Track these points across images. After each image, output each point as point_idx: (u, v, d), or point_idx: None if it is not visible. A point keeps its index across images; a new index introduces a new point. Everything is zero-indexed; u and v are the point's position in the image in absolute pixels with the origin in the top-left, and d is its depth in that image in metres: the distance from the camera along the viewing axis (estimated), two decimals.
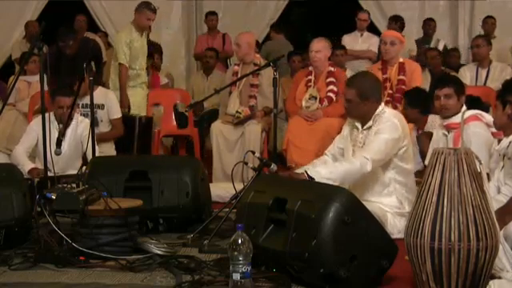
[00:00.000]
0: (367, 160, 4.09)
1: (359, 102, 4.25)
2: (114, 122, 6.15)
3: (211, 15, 9.20)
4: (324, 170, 4.13)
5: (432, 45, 8.61)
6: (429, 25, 8.86)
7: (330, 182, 3.95)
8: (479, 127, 4.58)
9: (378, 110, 4.27)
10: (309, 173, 4.05)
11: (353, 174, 4.11)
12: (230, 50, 8.65)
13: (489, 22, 8.47)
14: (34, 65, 7.05)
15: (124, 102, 6.60)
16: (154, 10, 6.68)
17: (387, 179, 4.30)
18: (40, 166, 5.25)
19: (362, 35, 8.64)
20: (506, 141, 3.90)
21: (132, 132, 6.43)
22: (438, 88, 4.76)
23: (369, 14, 8.78)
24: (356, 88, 4.27)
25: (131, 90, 6.76)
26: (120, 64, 6.65)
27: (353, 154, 4.29)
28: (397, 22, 8.48)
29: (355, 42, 8.49)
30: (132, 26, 6.74)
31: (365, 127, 4.32)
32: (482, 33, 8.10)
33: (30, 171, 5.28)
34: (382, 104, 4.34)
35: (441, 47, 8.60)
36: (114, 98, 6.21)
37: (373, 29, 9.31)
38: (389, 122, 4.22)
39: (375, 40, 8.53)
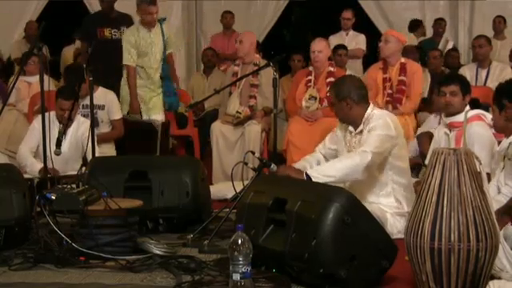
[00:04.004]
0: (366, 152, 4.07)
1: (337, 102, 4.29)
2: (114, 122, 6.12)
3: (226, 13, 8.93)
4: (321, 168, 4.15)
5: (441, 45, 8.60)
6: (440, 24, 8.85)
7: (331, 180, 3.96)
8: (482, 127, 4.57)
9: (367, 113, 4.27)
10: (308, 173, 4.06)
11: (354, 168, 4.07)
12: None
13: (496, 21, 8.50)
14: (33, 65, 7.00)
15: (134, 108, 6.31)
16: (153, 2, 6.25)
17: (385, 180, 4.30)
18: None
19: (347, 34, 8.62)
20: (506, 141, 3.90)
21: (154, 138, 6.22)
22: (445, 85, 4.75)
23: (353, 12, 8.75)
24: (333, 89, 4.39)
25: (141, 90, 6.37)
26: (125, 65, 6.33)
27: None
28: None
29: (341, 42, 8.37)
30: (139, 25, 6.38)
31: (357, 131, 4.31)
32: (484, 32, 8.07)
33: (41, 170, 5.15)
34: (371, 106, 4.34)
35: (449, 47, 8.59)
36: (114, 99, 6.15)
37: (373, 29, 9.31)
38: (380, 119, 4.21)
39: (362, 38, 8.54)
